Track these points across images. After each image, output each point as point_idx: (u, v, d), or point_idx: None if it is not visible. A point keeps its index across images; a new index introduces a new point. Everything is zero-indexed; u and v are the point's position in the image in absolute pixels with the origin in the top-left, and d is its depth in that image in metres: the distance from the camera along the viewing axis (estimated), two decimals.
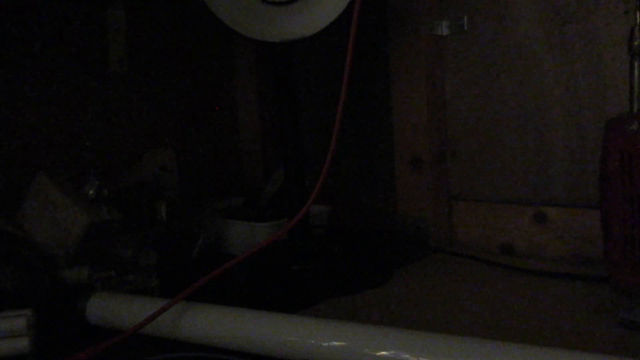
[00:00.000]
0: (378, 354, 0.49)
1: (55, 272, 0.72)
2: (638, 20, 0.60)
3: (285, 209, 0.87)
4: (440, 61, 0.91)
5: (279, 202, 1.02)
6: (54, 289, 0.71)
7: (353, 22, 0.63)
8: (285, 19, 0.73)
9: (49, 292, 0.71)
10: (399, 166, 0.94)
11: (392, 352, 0.49)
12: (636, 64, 0.60)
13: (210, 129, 1.15)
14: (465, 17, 0.88)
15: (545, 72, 0.82)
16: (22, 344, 0.57)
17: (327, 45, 1.04)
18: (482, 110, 0.88)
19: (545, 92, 0.82)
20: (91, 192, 0.75)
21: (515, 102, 0.85)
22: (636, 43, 0.60)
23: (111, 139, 0.99)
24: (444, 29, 0.90)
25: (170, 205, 0.88)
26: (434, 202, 0.91)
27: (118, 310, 0.63)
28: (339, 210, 1.03)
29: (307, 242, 0.81)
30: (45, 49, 0.91)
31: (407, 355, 0.48)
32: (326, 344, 0.51)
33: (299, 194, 0.79)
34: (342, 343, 0.51)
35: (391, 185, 0.96)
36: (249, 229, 0.92)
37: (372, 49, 0.97)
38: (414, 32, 0.89)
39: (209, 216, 0.97)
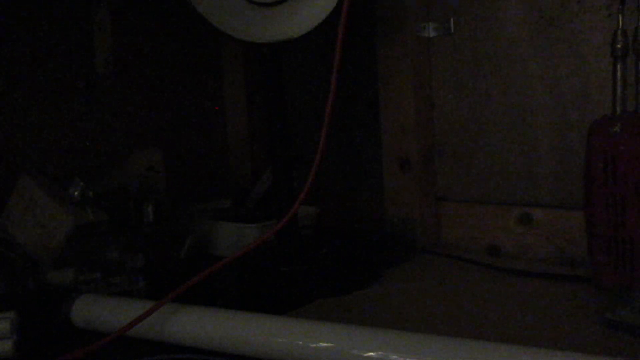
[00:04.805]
0: (366, 354, 0.49)
1: (39, 274, 0.71)
2: (620, 23, 0.61)
3: (273, 210, 0.87)
4: (427, 63, 0.92)
5: (267, 203, 1.02)
6: (39, 291, 0.70)
7: (341, 23, 0.63)
8: (273, 20, 0.73)
9: (33, 294, 0.70)
10: (387, 167, 0.94)
11: (380, 352, 0.49)
12: (619, 67, 0.61)
13: (198, 129, 1.14)
14: (452, 19, 0.88)
15: (530, 74, 0.82)
16: (6, 347, 0.57)
17: (315, 46, 1.04)
18: (469, 111, 0.89)
19: (530, 93, 0.83)
20: (76, 193, 0.75)
21: (501, 104, 0.86)
22: (619, 46, 0.61)
23: (97, 139, 0.98)
24: (430, 31, 0.90)
25: (157, 206, 0.87)
26: (421, 203, 0.92)
27: (104, 312, 0.62)
28: (327, 212, 1.03)
29: (296, 243, 0.80)
30: (31, 49, 0.90)
31: (395, 356, 0.48)
32: (314, 345, 0.51)
33: (287, 195, 0.78)
34: (330, 344, 0.51)
35: (379, 186, 0.97)
36: (237, 231, 0.92)
37: (360, 51, 0.97)
38: (401, 34, 0.90)
39: (196, 217, 0.97)
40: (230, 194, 1.11)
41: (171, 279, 0.73)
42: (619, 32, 0.61)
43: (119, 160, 0.97)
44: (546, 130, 0.82)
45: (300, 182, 0.66)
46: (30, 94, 0.90)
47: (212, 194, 1.12)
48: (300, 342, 0.52)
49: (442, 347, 0.48)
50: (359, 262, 0.83)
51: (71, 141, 0.94)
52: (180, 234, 0.91)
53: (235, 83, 1.19)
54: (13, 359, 0.57)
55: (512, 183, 0.86)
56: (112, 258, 0.75)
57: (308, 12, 0.71)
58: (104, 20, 0.97)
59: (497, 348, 0.47)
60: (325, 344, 0.51)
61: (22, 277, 0.71)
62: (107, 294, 0.71)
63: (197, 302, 0.61)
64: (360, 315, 0.67)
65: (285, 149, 0.80)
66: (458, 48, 0.89)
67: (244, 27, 0.74)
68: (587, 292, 0.67)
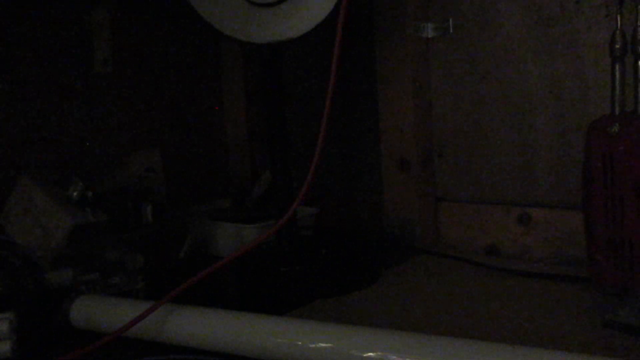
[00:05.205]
0: (365, 355, 0.49)
1: (38, 275, 0.71)
2: (619, 24, 0.62)
3: (272, 210, 0.87)
4: (426, 63, 0.92)
5: (267, 203, 1.02)
6: (38, 292, 0.70)
7: (339, 24, 0.63)
8: (272, 21, 0.73)
9: (32, 295, 0.70)
10: (386, 168, 0.94)
11: (379, 353, 0.49)
12: (617, 67, 0.61)
13: (197, 130, 1.14)
14: (451, 20, 0.88)
15: (529, 75, 0.83)
16: (4, 347, 0.57)
17: (314, 46, 1.04)
18: (468, 111, 0.89)
19: (529, 94, 0.83)
20: (75, 194, 0.74)
21: (500, 104, 0.86)
22: (617, 46, 0.61)
23: (96, 140, 0.98)
24: (429, 31, 0.90)
25: (156, 207, 0.87)
26: (420, 203, 0.92)
27: (103, 313, 0.62)
28: (326, 212, 1.03)
29: (295, 243, 0.80)
30: (29, 49, 0.89)
31: (394, 357, 0.48)
32: (313, 345, 0.51)
33: (286, 196, 0.78)
34: (330, 344, 0.51)
35: (378, 186, 0.97)
36: (237, 231, 0.92)
37: (359, 51, 0.97)
38: (399, 34, 0.90)
39: (196, 218, 0.97)
40: (230, 194, 1.11)
41: (170, 279, 0.73)
42: (618, 32, 0.61)
43: (118, 161, 0.97)
44: (545, 130, 0.82)
45: (300, 183, 0.66)
46: (29, 93, 0.90)
47: (212, 194, 1.12)
48: (300, 342, 0.52)
49: (441, 347, 0.48)
50: (358, 263, 0.83)
51: (71, 141, 0.94)
52: (179, 235, 0.91)
53: (234, 83, 1.19)
54: None
55: (511, 183, 0.86)
56: (111, 258, 0.75)
57: (307, 13, 0.71)
58: (103, 20, 0.97)
59: (497, 348, 0.47)
60: (324, 344, 0.51)
61: (21, 277, 0.70)
62: (107, 294, 0.71)
63: (196, 303, 0.60)
64: (359, 315, 0.67)
65: (284, 149, 0.80)
66: (457, 48, 0.89)
67: (243, 28, 0.74)
68: (586, 292, 0.68)
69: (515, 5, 0.83)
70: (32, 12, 0.90)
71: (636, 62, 0.61)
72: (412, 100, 0.90)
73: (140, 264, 0.76)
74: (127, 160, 0.94)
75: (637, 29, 0.60)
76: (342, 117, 1.02)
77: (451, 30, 0.89)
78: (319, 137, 0.63)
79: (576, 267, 0.77)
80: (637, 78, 0.61)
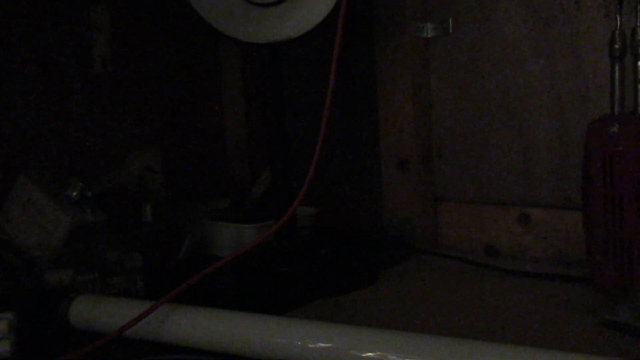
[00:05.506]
0: (364, 355, 0.49)
1: (38, 275, 0.71)
2: (618, 24, 0.62)
3: (272, 210, 0.86)
4: (425, 63, 0.92)
5: (266, 203, 1.02)
6: (37, 292, 0.70)
7: (339, 24, 0.63)
8: (271, 21, 0.73)
9: (31, 294, 0.70)
10: (386, 168, 0.94)
11: (379, 353, 0.49)
12: (617, 67, 0.61)
13: (196, 129, 1.14)
14: (450, 20, 0.88)
15: (529, 74, 0.83)
16: (3, 347, 0.57)
17: (314, 46, 1.04)
18: (467, 111, 0.89)
19: (529, 94, 0.83)
20: (75, 193, 0.74)
21: (499, 104, 0.86)
22: (617, 46, 0.61)
23: (96, 139, 0.98)
24: (429, 32, 0.90)
25: (155, 206, 0.87)
26: (420, 203, 0.92)
27: (102, 313, 0.62)
28: (325, 212, 1.03)
29: (294, 243, 0.80)
30: (29, 49, 0.89)
31: (394, 356, 0.48)
32: (313, 345, 0.51)
33: (286, 196, 0.78)
34: (329, 344, 0.51)
35: (377, 187, 0.97)
36: (236, 231, 0.92)
37: (359, 51, 0.97)
38: (399, 35, 0.90)
39: (195, 218, 0.97)
40: (229, 194, 1.10)
41: (170, 279, 0.73)
42: (617, 32, 0.61)
43: (117, 161, 0.97)
44: (544, 130, 0.82)
45: (299, 183, 0.66)
46: (27, 93, 0.90)
47: (211, 194, 1.12)
48: (299, 342, 0.52)
49: (440, 347, 0.48)
50: (357, 263, 0.83)
51: (70, 141, 0.94)
52: (178, 234, 0.91)
53: (233, 83, 1.19)
54: None
55: (511, 183, 0.86)
56: (110, 258, 0.75)
57: (307, 13, 0.71)
58: (103, 20, 0.97)
59: (497, 348, 0.47)
60: (324, 344, 0.51)
61: (20, 277, 0.70)
62: (106, 294, 0.71)
63: (195, 303, 0.60)
64: (358, 315, 0.67)
65: (283, 149, 0.80)
66: (457, 48, 0.89)
67: (242, 28, 0.74)
68: (585, 293, 0.68)
69: (515, 5, 0.83)
70: (32, 12, 0.90)
71: (636, 62, 0.61)
72: (412, 100, 0.90)
73: (139, 263, 0.76)
74: (127, 161, 0.94)
75: (636, 29, 0.60)
76: (342, 117, 1.02)
77: (451, 30, 0.89)
78: (319, 137, 0.63)
79: (576, 267, 0.77)
80: (637, 78, 0.61)
